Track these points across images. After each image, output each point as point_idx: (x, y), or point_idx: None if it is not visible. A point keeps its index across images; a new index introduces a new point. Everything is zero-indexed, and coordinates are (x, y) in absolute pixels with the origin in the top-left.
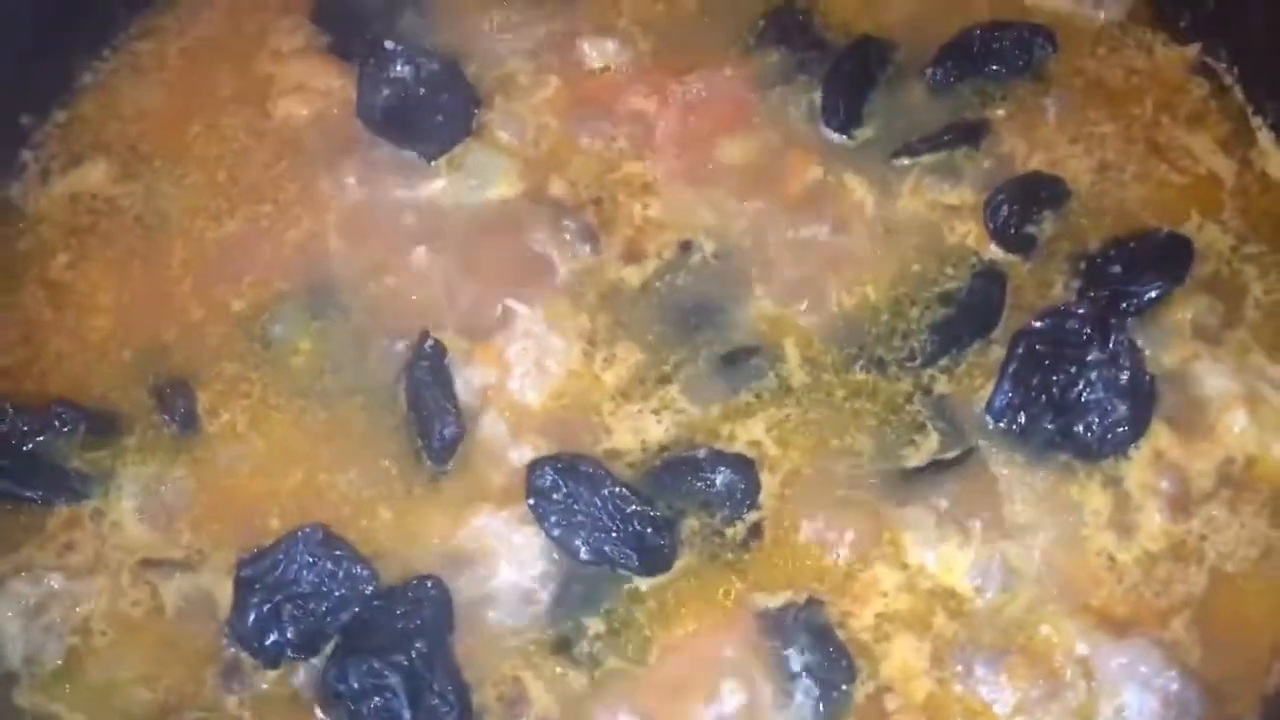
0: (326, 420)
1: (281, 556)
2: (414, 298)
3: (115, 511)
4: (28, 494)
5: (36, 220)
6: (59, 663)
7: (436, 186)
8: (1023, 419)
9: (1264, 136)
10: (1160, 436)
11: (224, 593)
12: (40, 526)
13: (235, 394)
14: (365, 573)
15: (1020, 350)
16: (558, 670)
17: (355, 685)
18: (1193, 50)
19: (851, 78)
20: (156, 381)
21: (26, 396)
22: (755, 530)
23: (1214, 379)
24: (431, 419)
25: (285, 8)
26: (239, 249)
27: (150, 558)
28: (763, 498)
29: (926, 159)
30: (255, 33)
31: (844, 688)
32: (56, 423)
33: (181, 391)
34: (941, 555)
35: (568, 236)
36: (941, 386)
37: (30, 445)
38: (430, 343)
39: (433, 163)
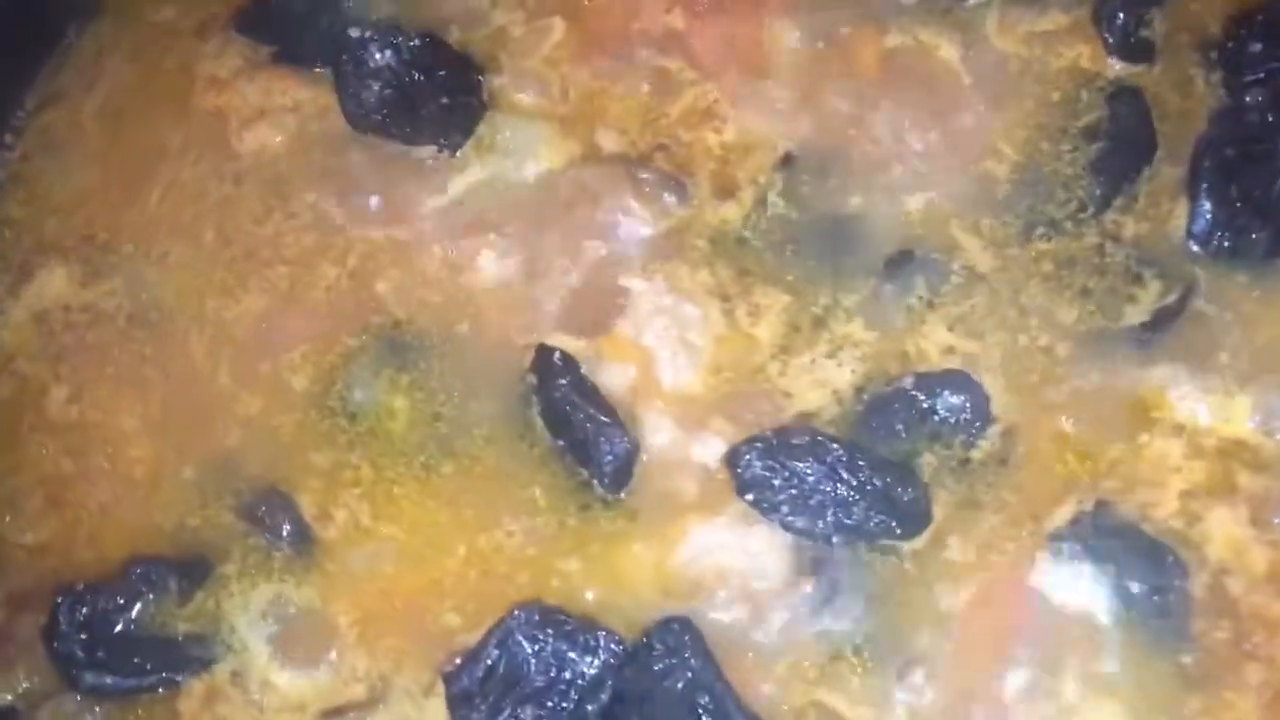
0: (460, 478)
1: (496, 652)
2: (501, 310)
3: (255, 666)
4: (142, 682)
5: (5, 358)
6: None
7: (473, 178)
8: (1229, 235)
9: None
10: None
11: (434, 717)
12: (174, 714)
13: (341, 485)
14: (609, 638)
15: (1207, 163)
16: (852, 678)
17: None
18: None
19: None
20: (241, 500)
21: (89, 568)
22: (1005, 444)
23: None
24: (592, 441)
25: (200, 30)
26: (271, 318)
27: (327, 708)
28: (994, 408)
29: None
30: (179, 66)
31: (1178, 584)
32: (141, 587)
33: (278, 503)
34: (1213, 406)
35: (648, 190)
36: (1130, 228)
37: (120, 624)
38: (557, 354)
39: (458, 153)
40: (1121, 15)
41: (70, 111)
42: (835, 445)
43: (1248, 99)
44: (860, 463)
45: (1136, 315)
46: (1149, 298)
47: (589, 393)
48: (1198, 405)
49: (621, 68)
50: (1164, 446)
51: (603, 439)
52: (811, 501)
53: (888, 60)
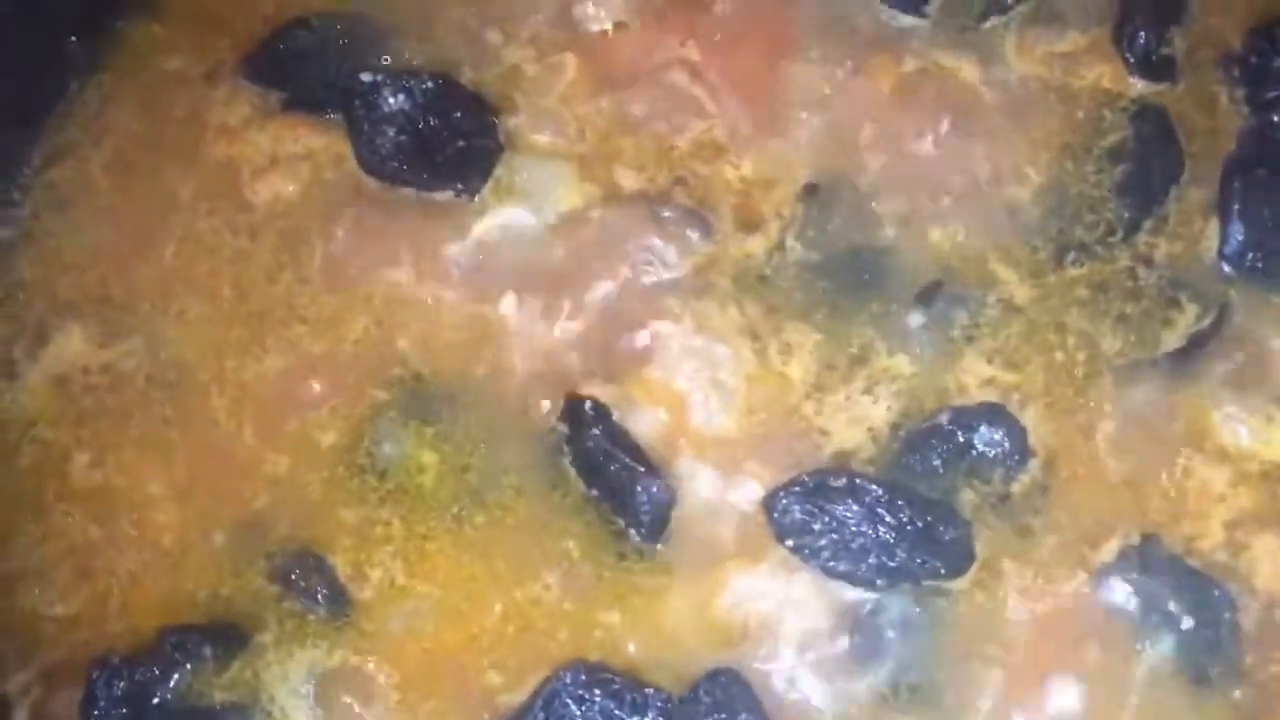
0: (493, 530)
1: (542, 715)
2: (526, 357)
3: None
4: None
5: (26, 425)
6: None
7: (492, 222)
8: (1262, 256)
9: None
10: None
11: None
12: None
13: (373, 543)
14: (656, 695)
15: (1237, 184)
16: None
17: None
18: None
19: None
20: (274, 563)
21: (121, 639)
22: (1046, 476)
23: None
24: (628, 491)
25: (209, 77)
26: (292, 375)
27: None
28: (1033, 439)
29: (1018, 11)
30: (188, 115)
31: (1227, 616)
32: (177, 657)
33: (311, 564)
34: (1254, 429)
35: (671, 227)
36: (1162, 250)
37: (159, 697)
38: (588, 404)
39: (477, 197)
40: (1142, 35)
41: (79, 165)
42: (874, 487)
43: (1276, 118)
44: (900, 503)
45: (1173, 340)
46: (1186, 321)
47: (622, 441)
48: (1239, 429)
49: (637, 103)
50: (1207, 473)
51: (638, 488)
52: (853, 545)
53: (906, 85)
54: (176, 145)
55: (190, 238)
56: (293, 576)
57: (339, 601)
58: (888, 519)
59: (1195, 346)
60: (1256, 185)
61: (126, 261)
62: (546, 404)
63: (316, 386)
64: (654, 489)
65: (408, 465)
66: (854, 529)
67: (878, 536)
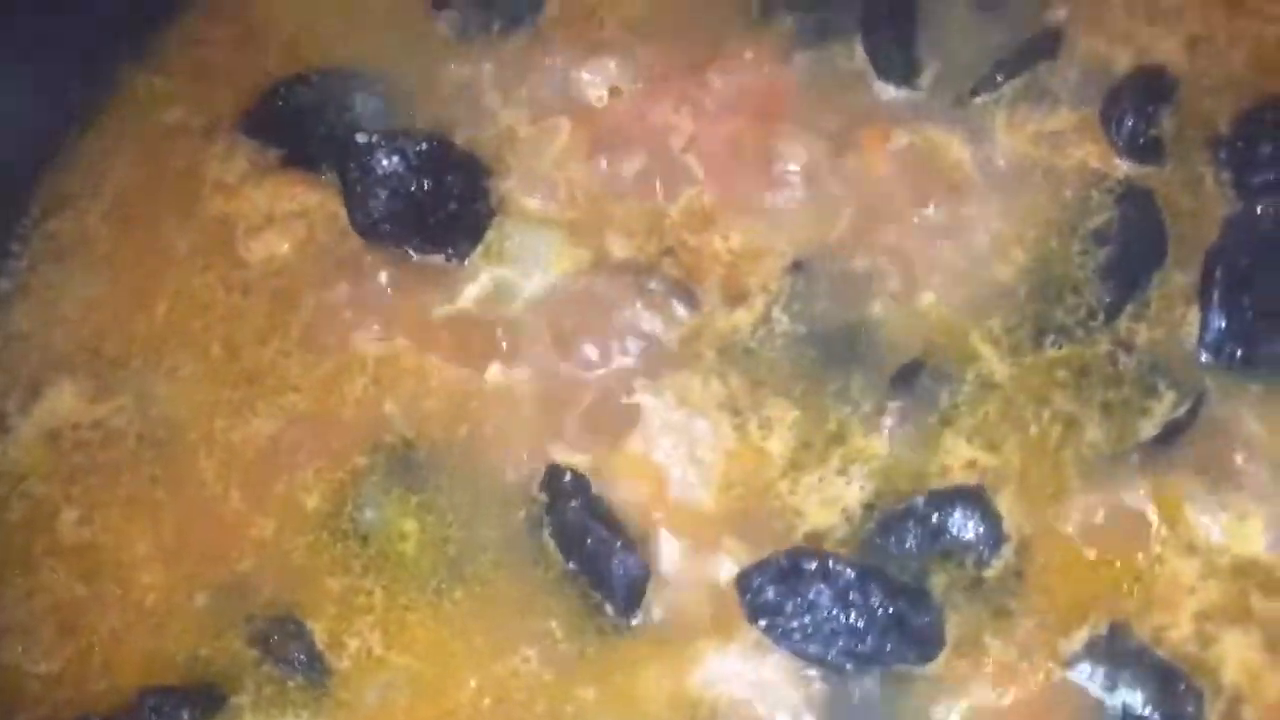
0: (472, 605)
1: None
2: (510, 425)
3: None
4: None
5: (16, 479)
6: None
7: (482, 286)
8: (1242, 345)
9: None
10: None
11: None
12: None
13: (354, 612)
14: None
15: (1219, 273)
16: None
17: None
18: None
19: (891, 18)
20: (254, 627)
21: (100, 698)
22: (1019, 561)
23: None
24: (603, 564)
25: (208, 131)
26: (280, 436)
27: None
28: (1008, 524)
29: (1009, 88)
30: (186, 168)
31: (1191, 710)
32: (154, 719)
33: (291, 631)
34: (1226, 524)
35: (658, 300)
36: (1142, 335)
37: None
38: (568, 475)
39: (467, 261)
40: (1130, 118)
41: (77, 216)
42: (847, 570)
43: (1259, 208)
44: (872, 587)
45: (1149, 428)
46: (1163, 409)
47: (601, 514)
48: (1211, 523)
49: (629, 168)
50: (1178, 564)
51: (614, 561)
52: (825, 629)
53: (896, 160)
54: (174, 198)
55: (185, 293)
56: (271, 641)
57: (316, 669)
58: (860, 603)
59: (1170, 435)
60: (1240, 274)
61: (120, 316)
62: (528, 473)
63: (302, 449)
64: (629, 562)
65: (389, 532)
66: (825, 613)
67: (848, 621)
